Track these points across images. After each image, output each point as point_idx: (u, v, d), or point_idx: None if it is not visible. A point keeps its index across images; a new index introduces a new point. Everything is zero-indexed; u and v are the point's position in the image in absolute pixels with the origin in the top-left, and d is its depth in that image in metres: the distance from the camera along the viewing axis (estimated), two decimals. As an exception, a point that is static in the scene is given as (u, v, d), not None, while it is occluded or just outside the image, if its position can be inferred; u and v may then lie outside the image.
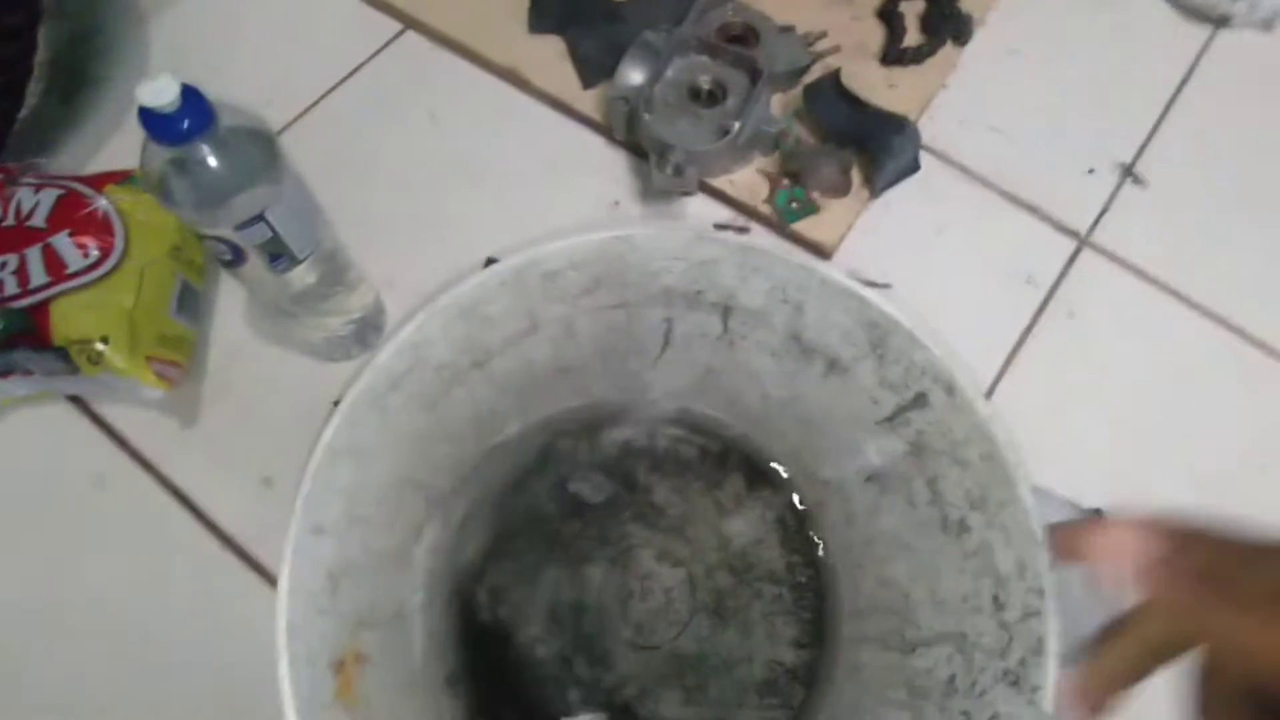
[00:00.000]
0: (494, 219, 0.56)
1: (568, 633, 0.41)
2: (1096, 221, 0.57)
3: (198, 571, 0.46)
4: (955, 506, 0.28)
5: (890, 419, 0.30)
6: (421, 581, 0.35)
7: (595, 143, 0.59)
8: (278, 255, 0.38)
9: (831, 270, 0.29)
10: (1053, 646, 0.24)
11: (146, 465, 0.48)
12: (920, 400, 0.28)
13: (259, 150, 0.35)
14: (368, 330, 0.51)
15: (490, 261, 0.54)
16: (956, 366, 0.27)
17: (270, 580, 0.45)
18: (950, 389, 0.27)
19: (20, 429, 0.49)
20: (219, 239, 0.36)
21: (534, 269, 0.29)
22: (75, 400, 0.50)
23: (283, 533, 0.46)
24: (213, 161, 0.34)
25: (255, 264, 0.38)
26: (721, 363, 0.37)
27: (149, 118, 0.31)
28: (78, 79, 0.61)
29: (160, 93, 0.30)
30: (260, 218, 0.36)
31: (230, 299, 0.52)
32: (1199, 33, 0.64)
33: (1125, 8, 0.65)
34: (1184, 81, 0.62)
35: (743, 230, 0.56)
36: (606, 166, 0.58)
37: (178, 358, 0.47)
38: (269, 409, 0.50)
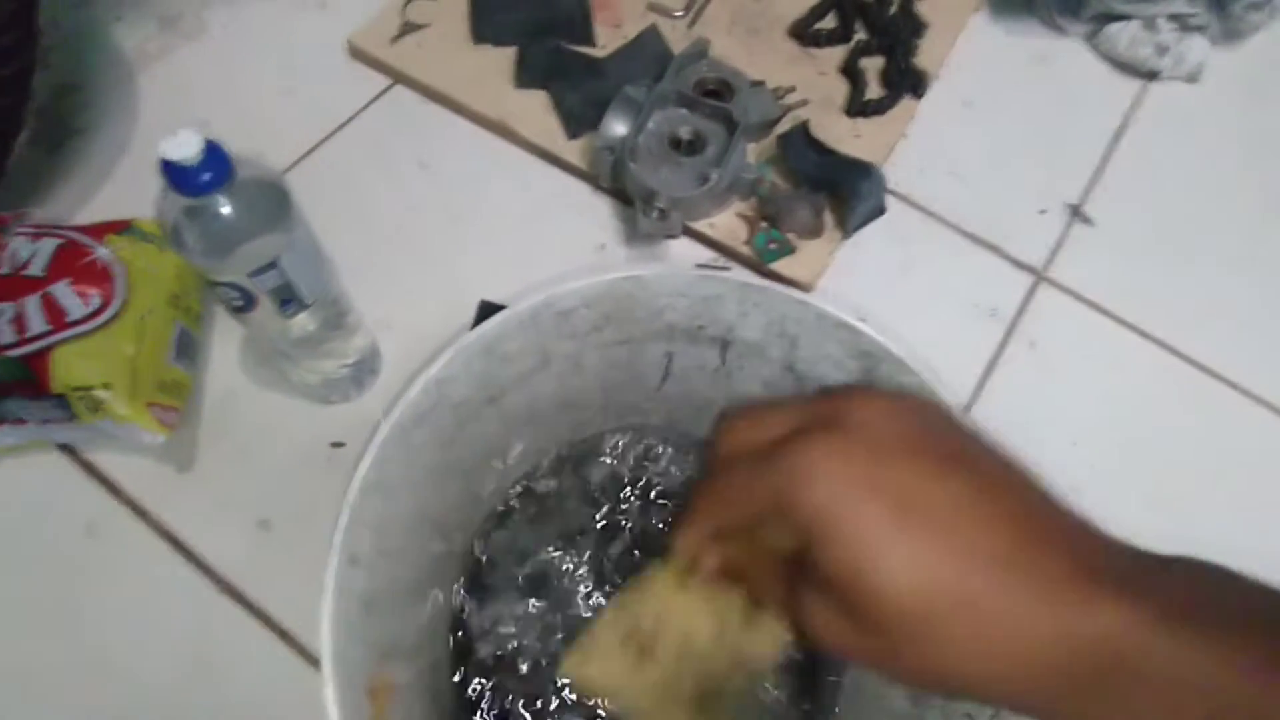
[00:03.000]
0: (485, 263, 0.58)
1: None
2: (1051, 258, 0.61)
3: (195, 617, 0.45)
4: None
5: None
6: (430, 614, 0.35)
7: (580, 189, 0.62)
8: (288, 300, 0.40)
9: (826, 305, 0.31)
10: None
11: (140, 512, 0.48)
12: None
13: (273, 200, 0.37)
14: (364, 373, 0.52)
15: (484, 304, 0.56)
16: (941, 389, 0.29)
17: (268, 623, 0.45)
18: (937, 411, 0.29)
19: (9, 478, 0.48)
20: (232, 285, 0.37)
21: (549, 308, 0.30)
22: (65, 448, 0.49)
23: (281, 575, 0.47)
24: (230, 211, 0.35)
25: (265, 309, 0.39)
26: (718, 393, 0.39)
27: (171, 170, 0.33)
28: (64, 129, 0.61)
29: (183, 146, 0.32)
30: (273, 264, 0.37)
31: (224, 345, 0.53)
32: (1131, 85, 0.70)
33: (1063, 63, 0.71)
34: (1121, 129, 0.68)
35: (724, 270, 0.59)
36: (591, 212, 0.61)
37: (176, 403, 0.47)
38: (265, 452, 0.50)
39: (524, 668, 0.40)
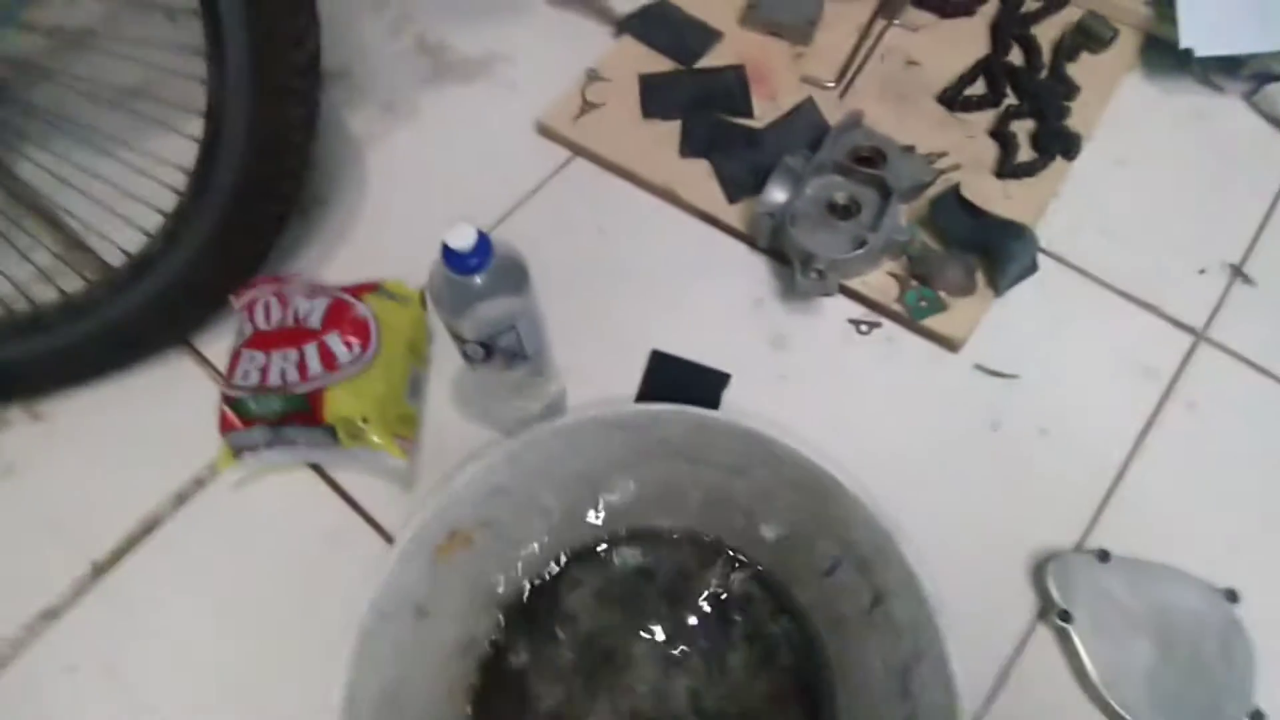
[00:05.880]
0: (654, 316, 0.65)
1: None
2: (1211, 318, 0.61)
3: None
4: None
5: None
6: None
7: (739, 249, 0.68)
8: (515, 354, 0.48)
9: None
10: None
11: (374, 524, 0.57)
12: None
13: (516, 276, 0.45)
14: (554, 412, 0.59)
15: (655, 354, 0.62)
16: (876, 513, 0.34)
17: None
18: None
19: (273, 490, 0.59)
20: (477, 342, 0.46)
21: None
22: (315, 468, 0.60)
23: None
24: (485, 285, 0.43)
25: (497, 362, 0.48)
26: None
27: (449, 254, 0.41)
28: (310, 199, 0.74)
29: (462, 237, 0.40)
30: (512, 327, 0.45)
31: (439, 384, 0.62)
32: (1296, 142, 0.69)
33: (1221, 121, 0.71)
34: (1286, 187, 0.67)
35: (874, 326, 0.63)
36: (749, 270, 0.67)
37: (410, 434, 0.56)
38: (473, 478, 0.58)
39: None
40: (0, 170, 0.75)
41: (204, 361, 0.64)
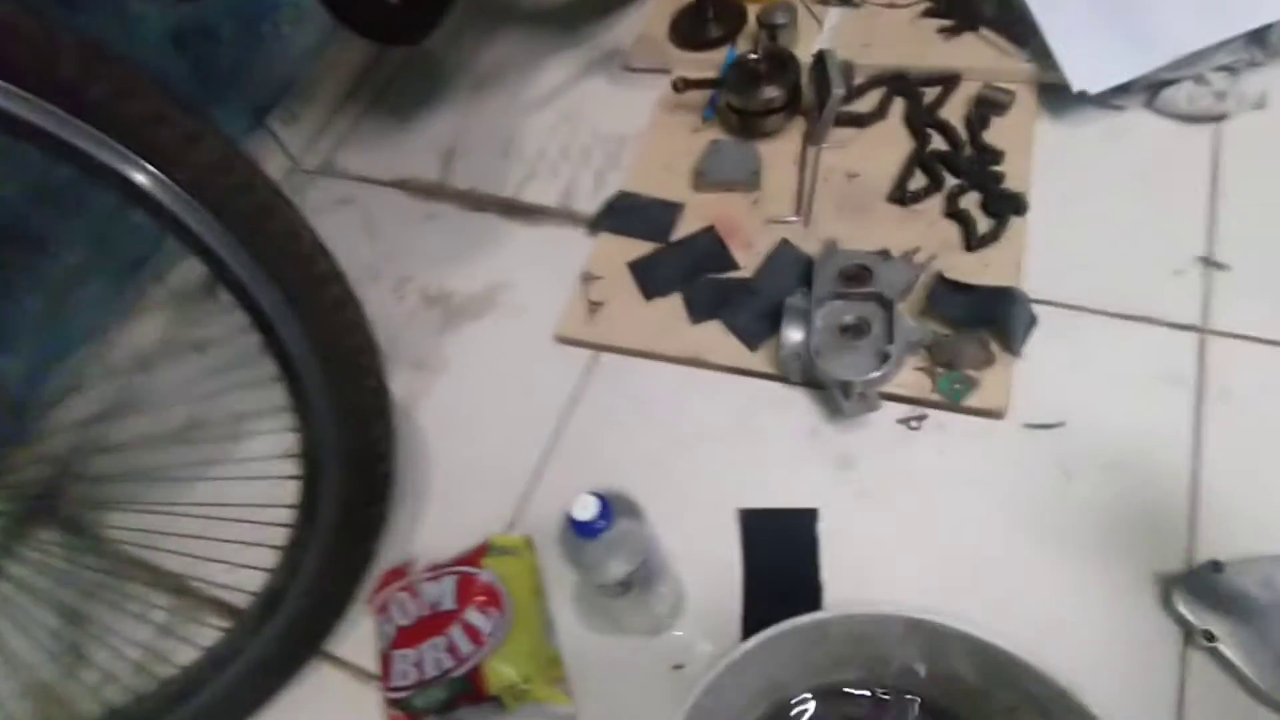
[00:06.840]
0: (726, 475, 0.70)
1: None
2: (1205, 311, 0.68)
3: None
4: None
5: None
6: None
7: (775, 389, 0.74)
8: (647, 581, 0.52)
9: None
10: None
11: (559, 767, 0.60)
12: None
13: (637, 522, 0.50)
14: (678, 606, 0.63)
15: (744, 512, 0.67)
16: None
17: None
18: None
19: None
20: (615, 583, 0.50)
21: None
22: (479, 729, 0.62)
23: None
24: (612, 539, 0.48)
25: (634, 591, 0.52)
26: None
27: (578, 525, 0.46)
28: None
29: (586, 509, 0.46)
30: (643, 562, 0.50)
31: (561, 607, 0.66)
32: (1205, 130, 0.78)
33: (1134, 136, 0.79)
34: (1215, 170, 0.75)
35: (922, 419, 0.69)
36: (791, 406, 0.73)
37: (561, 673, 0.60)
38: (628, 686, 0.61)
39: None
40: (93, 541, 0.81)
41: (340, 663, 0.68)
